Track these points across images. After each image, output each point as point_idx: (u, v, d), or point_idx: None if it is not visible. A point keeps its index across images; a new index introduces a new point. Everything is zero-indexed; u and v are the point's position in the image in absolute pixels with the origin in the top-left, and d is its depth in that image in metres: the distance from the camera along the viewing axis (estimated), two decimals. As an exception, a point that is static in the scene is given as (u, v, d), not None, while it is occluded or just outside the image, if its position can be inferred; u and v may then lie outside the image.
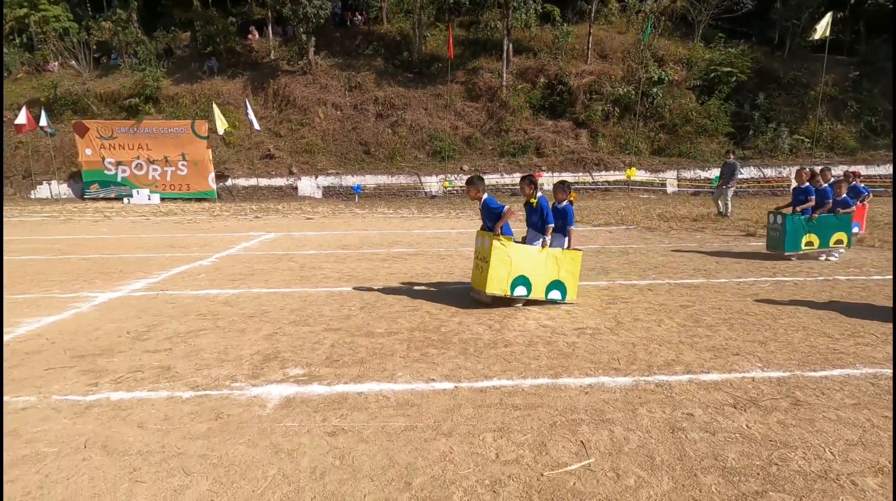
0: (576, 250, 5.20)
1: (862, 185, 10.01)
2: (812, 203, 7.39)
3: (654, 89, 21.44)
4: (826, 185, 7.43)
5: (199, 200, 19.67)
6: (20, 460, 2.52)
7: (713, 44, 23.53)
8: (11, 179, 21.05)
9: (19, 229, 12.16)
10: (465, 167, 20.40)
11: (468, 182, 5.33)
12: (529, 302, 5.16)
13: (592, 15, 23.31)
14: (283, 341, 4.18)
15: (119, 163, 19.63)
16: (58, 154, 21.53)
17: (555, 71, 22.73)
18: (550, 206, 5.23)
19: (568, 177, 20.29)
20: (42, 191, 20.55)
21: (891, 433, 2.61)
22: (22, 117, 18.83)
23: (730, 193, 12.18)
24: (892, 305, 4.86)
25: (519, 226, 5.99)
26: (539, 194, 5.27)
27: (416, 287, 5.91)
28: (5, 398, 3.20)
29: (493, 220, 5.12)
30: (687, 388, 3.19)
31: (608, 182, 20.03)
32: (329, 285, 6.10)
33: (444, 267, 7.04)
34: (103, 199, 19.82)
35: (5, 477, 2.39)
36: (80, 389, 3.32)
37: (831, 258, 7.48)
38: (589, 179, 20.20)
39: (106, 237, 10.54)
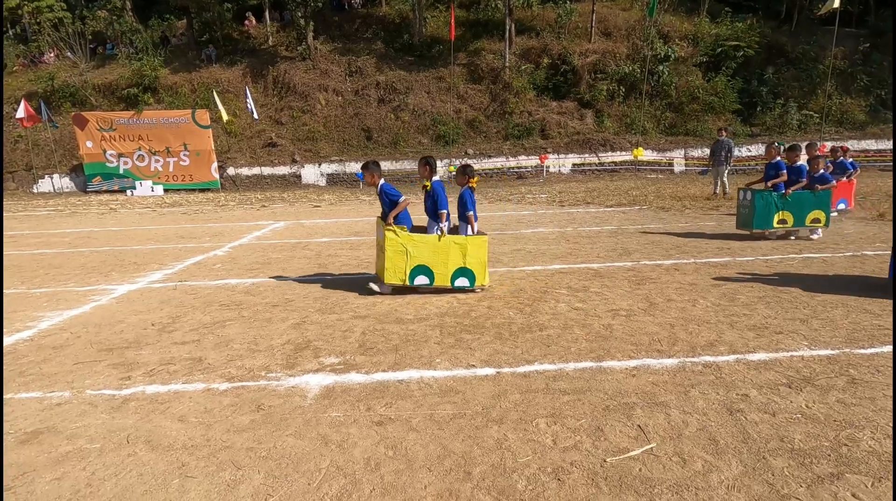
0: (481, 234, 4.99)
1: (850, 160, 9.71)
2: (783, 178, 7.03)
3: (660, 67, 21.08)
4: (801, 162, 7.03)
5: (202, 190, 19.51)
6: (65, 457, 2.46)
7: (719, 19, 23.05)
8: (14, 174, 20.87)
9: (27, 223, 12.06)
10: (470, 151, 20.18)
11: (363, 167, 5.12)
12: (553, 286, 5.07)
13: (596, -9, 22.82)
14: (312, 329, 4.10)
15: (121, 155, 19.42)
16: (58, 147, 21.31)
17: (558, 51, 22.33)
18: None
19: (574, 158, 20.10)
20: (44, 185, 20.39)
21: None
22: (21, 111, 18.59)
23: (725, 172, 11.98)
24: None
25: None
26: (436, 177, 5.07)
27: (437, 273, 5.80)
28: (39, 394, 3.14)
29: (388, 208, 4.96)
30: (735, 368, 3.11)
31: (615, 163, 19.81)
32: (349, 271, 6.01)
33: (462, 252, 6.92)
34: (106, 191, 19.66)
35: (51, 475, 2.33)
36: (114, 383, 3.25)
37: (812, 237, 7.09)
38: (595, 160, 19.97)
39: (115, 230, 10.43)
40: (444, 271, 4.88)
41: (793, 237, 7.20)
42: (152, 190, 19.05)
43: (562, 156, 19.94)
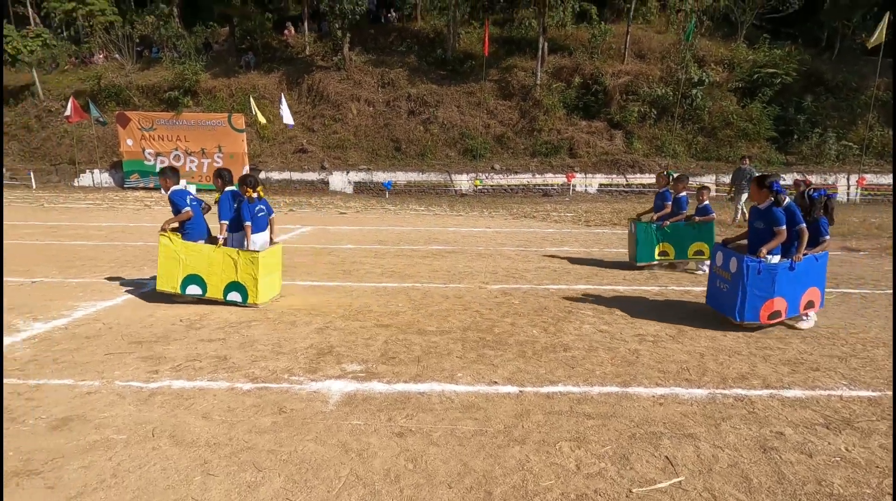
0: (252, 251, 4.80)
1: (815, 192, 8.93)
2: (667, 209, 6.66)
3: (694, 91, 20.80)
4: (683, 194, 6.63)
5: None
6: (92, 445, 2.51)
7: (757, 45, 22.70)
8: (57, 167, 21.76)
9: (67, 214, 12.52)
10: (497, 166, 20.19)
11: (160, 173, 5.23)
12: (578, 306, 5.00)
13: (631, 14, 22.77)
14: (335, 335, 4.12)
15: (158, 154, 20.06)
16: (100, 144, 22.16)
17: (590, 70, 22.28)
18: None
19: (602, 178, 19.93)
20: (85, 179, 21.18)
21: None
22: (69, 108, 19.43)
23: (743, 198, 11.73)
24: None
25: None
26: (230, 188, 5.01)
27: (460, 285, 5.79)
28: (70, 382, 3.22)
29: (174, 213, 4.98)
30: (769, 404, 2.99)
31: (643, 185, 19.53)
32: (373, 280, 6.04)
33: (486, 266, 6.90)
34: (142, 188, 20.30)
35: (78, 463, 2.37)
36: (142, 376, 3.32)
37: (700, 270, 6.49)
38: (623, 181, 19.73)
39: (148, 225, 10.74)
40: (217, 282, 4.80)
41: (682, 269, 6.79)
42: (185, 189, 19.58)
43: (589, 175, 19.77)
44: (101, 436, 2.59)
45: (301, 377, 3.31)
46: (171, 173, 5.14)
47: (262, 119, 19.61)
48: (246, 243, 4.90)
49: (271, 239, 5.28)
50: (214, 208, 5.10)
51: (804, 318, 4.46)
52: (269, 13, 25.93)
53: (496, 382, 3.26)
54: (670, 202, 6.72)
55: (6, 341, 3.92)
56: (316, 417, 2.80)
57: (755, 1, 22.83)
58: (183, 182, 5.48)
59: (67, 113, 19.42)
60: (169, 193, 5.07)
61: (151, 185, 20.29)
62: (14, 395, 3.02)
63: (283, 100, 19.46)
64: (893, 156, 18.38)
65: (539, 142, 20.85)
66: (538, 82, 21.91)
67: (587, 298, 5.33)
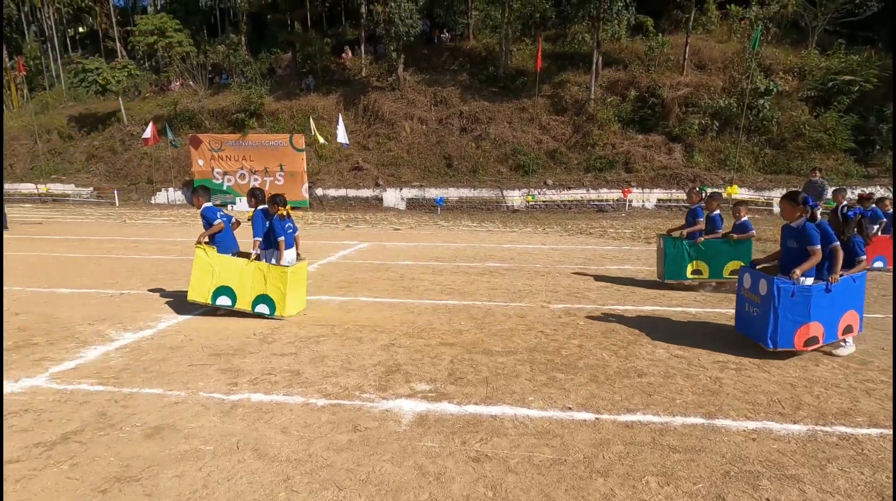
0: (283, 266, 5.00)
1: (883, 210, 8.04)
2: (700, 226, 6.34)
3: (761, 101, 19.76)
4: (717, 212, 6.37)
5: (292, 208, 20.86)
6: (183, 455, 2.63)
7: (831, 51, 21.32)
8: (136, 186, 23.64)
9: (145, 230, 13.52)
10: (549, 181, 19.96)
11: (193, 192, 5.51)
12: (647, 328, 4.78)
13: (690, 24, 22.07)
14: (401, 353, 4.14)
15: (225, 173, 21.36)
16: (174, 164, 23.90)
17: (647, 83, 21.71)
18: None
19: (660, 193, 19.22)
20: (160, 197, 22.84)
21: None
22: (148, 132, 21.14)
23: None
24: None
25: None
26: (262, 207, 5.31)
27: (521, 304, 5.70)
28: (160, 391, 3.41)
29: (205, 228, 5.27)
30: (881, 445, 2.71)
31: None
32: (433, 297, 6.07)
33: (545, 284, 6.77)
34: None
35: (172, 472, 2.49)
36: (223, 387, 3.46)
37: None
38: (683, 196, 18.93)
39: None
40: (247, 294, 5.01)
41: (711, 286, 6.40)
42: (216, 206, 20.73)
43: (646, 190, 19.13)
44: (191, 446, 2.71)
45: (372, 395, 3.34)
46: (203, 192, 5.52)
47: (320, 139, 20.46)
48: (278, 256, 5.18)
49: (298, 255, 5.59)
50: (245, 224, 5.50)
51: (843, 344, 4.10)
52: (328, 38, 27.22)
53: (570, 407, 3.16)
54: (702, 219, 6.46)
55: (100, 350, 4.23)
56: (390, 437, 2.81)
57: (828, 6, 21.55)
58: (213, 200, 5.87)
59: (146, 135, 21.08)
60: (201, 209, 5.39)
61: (218, 202, 21.59)
62: (111, 402, 3.23)
63: (340, 120, 20.23)
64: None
65: (593, 157, 20.46)
66: (592, 97, 21.59)
67: (657, 320, 5.10)
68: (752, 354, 4.08)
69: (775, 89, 19.88)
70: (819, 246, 3.82)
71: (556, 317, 5.19)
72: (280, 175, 20.94)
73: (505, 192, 19.90)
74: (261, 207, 5.34)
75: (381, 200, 20.75)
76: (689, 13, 21.88)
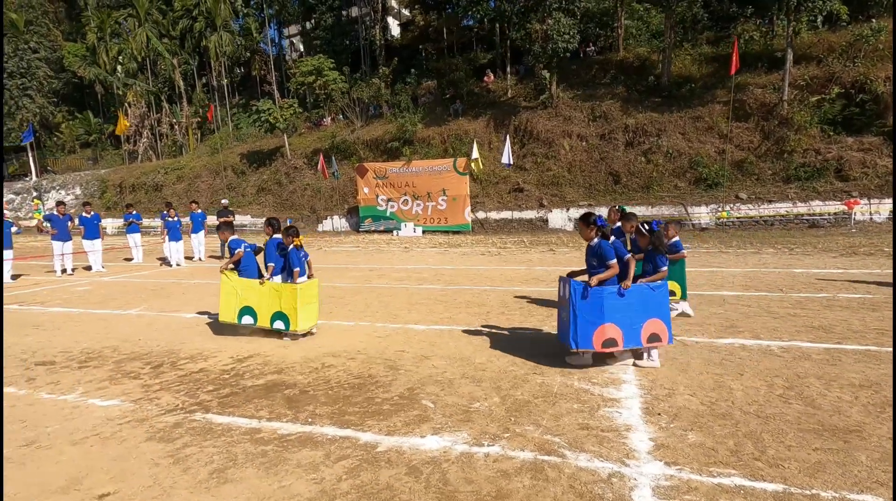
0: (293, 284, 5.43)
1: None
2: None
3: None
4: (676, 238, 6.21)
5: (455, 232, 20.82)
6: None
7: None
8: (301, 215, 25.31)
9: (358, 258, 13.84)
10: (743, 195, 17.73)
11: (217, 229, 6.45)
12: None
13: (902, 6, 18.82)
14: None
15: (389, 199, 22.00)
16: (334, 193, 25.26)
17: (852, 77, 18.76)
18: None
19: (891, 205, 16.16)
20: (326, 224, 24.16)
21: None
22: (319, 164, 22.61)
23: None
24: None
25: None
26: (276, 236, 5.85)
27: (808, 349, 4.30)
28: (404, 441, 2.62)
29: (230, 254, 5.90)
30: None
31: (955, 209, 15.28)
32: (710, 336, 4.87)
33: (835, 320, 5.25)
34: (375, 231, 22.35)
35: None
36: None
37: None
38: (921, 206, 15.70)
39: (449, 268, 11.21)
40: (265, 313, 5.50)
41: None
42: (414, 231, 20.99)
43: (874, 201, 16.20)
44: None
45: None
46: (227, 227, 6.21)
47: (480, 164, 20.30)
48: (292, 278, 5.62)
49: (310, 276, 5.98)
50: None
51: (649, 356, 4.34)
52: (470, 63, 27.53)
53: None
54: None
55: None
56: None
57: None
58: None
59: (320, 167, 22.47)
60: (227, 242, 6.03)
61: (382, 228, 22.24)
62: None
63: (507, 140, 19.91)
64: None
65: (793, 165, 17.92)
66: (784, 98, 19.11)
67: None
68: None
69: None
70: (615, 260, 4.22)
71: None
72: (442, 200, 21.05)
73: (689, 208, 18.07)
74: (276, 236, 5.86)
75: (545, 221, 19.95)
76: (905, -8, 18.71)
